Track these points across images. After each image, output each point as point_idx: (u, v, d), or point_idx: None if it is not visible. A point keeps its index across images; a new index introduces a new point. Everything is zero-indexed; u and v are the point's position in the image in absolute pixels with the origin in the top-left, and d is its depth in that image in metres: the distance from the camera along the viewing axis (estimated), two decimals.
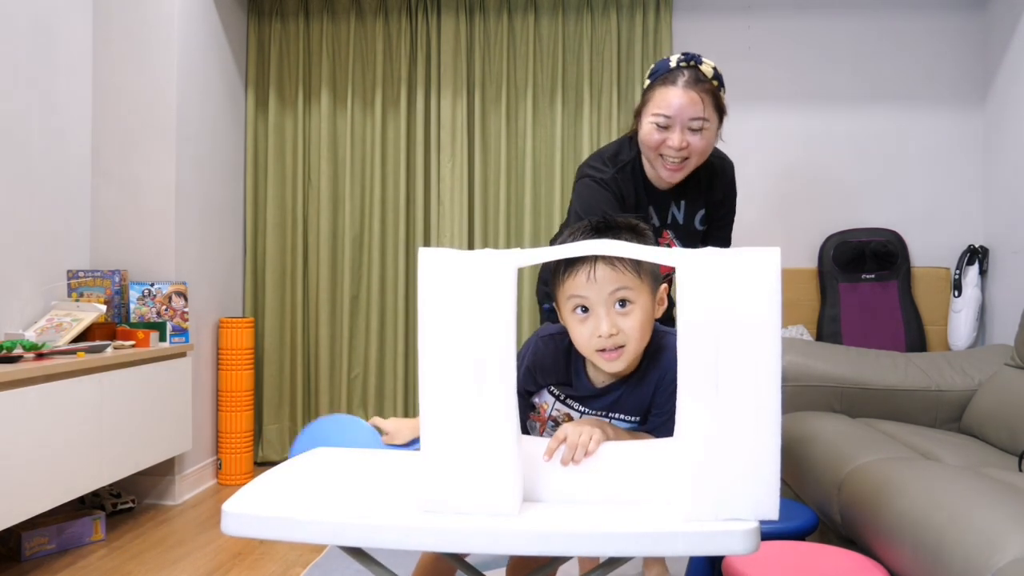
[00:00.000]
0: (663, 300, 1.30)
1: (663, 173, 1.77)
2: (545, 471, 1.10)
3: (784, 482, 2.16)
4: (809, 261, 3.48)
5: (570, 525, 0.99)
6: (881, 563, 1.44)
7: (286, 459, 3.89)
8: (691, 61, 1.74)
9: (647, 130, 1.73)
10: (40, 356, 2.40)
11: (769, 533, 1.60)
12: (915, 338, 3.21)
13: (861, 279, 3.31)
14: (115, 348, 2.75)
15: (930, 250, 3.43)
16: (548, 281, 1.36)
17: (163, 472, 3.09)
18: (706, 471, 0.97)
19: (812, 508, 1.87)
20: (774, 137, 3.56)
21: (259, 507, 1.05)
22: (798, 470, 2.02)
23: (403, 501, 1.05)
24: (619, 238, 1.18)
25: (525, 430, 1.39)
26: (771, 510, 0.97)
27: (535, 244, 3.54)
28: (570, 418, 1.39)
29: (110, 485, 2.83)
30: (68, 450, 2.38)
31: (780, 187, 3.55)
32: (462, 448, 1.02)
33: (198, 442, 3.28)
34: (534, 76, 3.57)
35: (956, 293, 3.24)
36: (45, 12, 2.88)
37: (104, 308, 2.85)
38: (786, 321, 3.37)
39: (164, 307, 3.03)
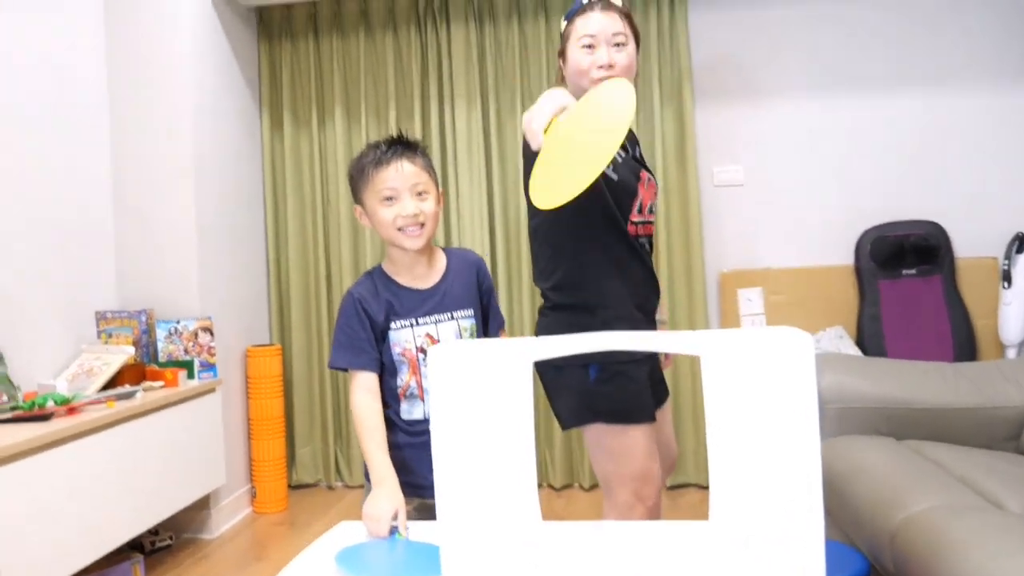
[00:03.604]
0: (441, 200, 1.66)
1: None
2: (570, 558, 1.05)
3: (828, 514, 2.08)
4: (845, 257, 3.35)
5: None
6: None
7: (320, 481, 3.85)
8: None
9: (576, 58, 1.77)
10: (71, 410, 2.40)
11: None
12: (963, 335, 3.08)
13: (902, 275, 3.17)
14: (145, 390, 2.74)
15: (975, 239, 3.28)
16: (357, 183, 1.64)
17: (199, 507, 3.10)
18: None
19: (863, 551, 1.79)
20: (803, 130, 3.43)
21: None
22: (845, 507, 1.94)
23: None
24: (411, 152, 1.59)
25: (394, 368, 1.61)
26: None
27: None
28: (432, 339, 1.60)
29: None
30: (104, 502, 2.38)
31: (811, 181, 3.42)
32: (482, 542, 0.97)
33: (232, 472, 3.28)
34: (548, 80, 3.46)
35: (1006, 284, 3.09)
36: (62, 57, 2.87)
37: (132, 350, 2.84)
38: (824, 323, 3.25)
39: (191, 343, 3.01)
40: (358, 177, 1.62)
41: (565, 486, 3.52)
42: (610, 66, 1.74)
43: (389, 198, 1.58)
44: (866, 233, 3.27)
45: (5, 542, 2.01)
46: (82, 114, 2.99)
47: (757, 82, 3.45)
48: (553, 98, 1.56)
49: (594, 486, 3.44)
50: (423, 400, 1.61)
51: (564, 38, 1.84)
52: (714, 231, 3.48)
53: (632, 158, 1.86)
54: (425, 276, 1.65)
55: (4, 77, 2.62)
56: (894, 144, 3.37)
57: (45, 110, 2.79)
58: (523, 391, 1.00)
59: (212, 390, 3.02)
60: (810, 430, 0.93)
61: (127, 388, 2.67)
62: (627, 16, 1.80)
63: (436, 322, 1.63)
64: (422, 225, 1.58)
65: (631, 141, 1.93)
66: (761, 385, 0.93)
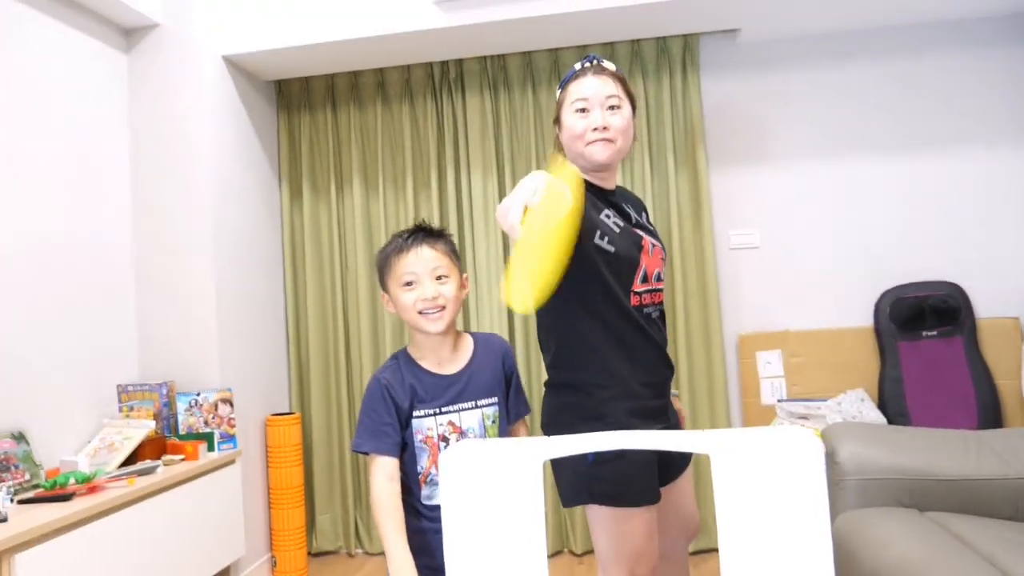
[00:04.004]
0: (465, 285, 1.70)
1: (596, 155, 1.76)
2: None
3: None
4: (864, 319, 3.33)
5: None
6: None
7: (340, 548, 3.81)
8: (594, 60, 1.84)
9: (570, 122, 1.77)
10: (92, 488, 2.42)
11: None
12: (986, 396, 3.03)
13: (922, 336, 3.15)
14: (165, 464, 2.77)
15: (995, 299, 3.25)
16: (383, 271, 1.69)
17: None
18: None
19: None
20: (818, 192, 3.44)
21: None
22: None
23: None
24: (432, 239, 1.65)
25: (414, 453, 1.63)
26: None
27: None
28: (455, 427, 1.62)
29: None
30: None
31: (828, 243, 3.42)
32: None
33: (252, 541, 3.27)
34: None
35: None
36: (85, 131, 2.96)
37: (152, 424, 2.88)
38: (844, 385, 3.22)
39: (211, 415, 3.04)
40: (383, 266, 1.68)
41: (586, 552, 3.48)
42: (605, 128, 1.74)
43: (409, 283, 1.62)
44: (885, 295, 3.26)
45: None
46: (105, 188, 3.07)
47: (771, 145, 3.48)
48: (524, 185, 1.37)
49: None
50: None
51: (559, 104, 1.84)
52: (731, 294, 3.48)
53: (633, 225, 1.83)
54: (450, 361, 1.68)
55: (28, 151, 2.71)
56: (911, 206, 3.37)
57: (68, 183, 2.87)
58: (533, 489, 1.00)
59: (232, 461, 3.04)
60: (821, 529, 0.93)
61: (148, 463, 2.70)
62: (621, 80, 1.81)
63: (460, 410, 1.64)
64: (442, 308, 1.61)
65: (635, 207, 1.92)
66: (771, 486, 0.94)
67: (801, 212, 3.45)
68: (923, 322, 3.14)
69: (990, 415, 3.02)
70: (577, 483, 1.72)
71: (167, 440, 2.94)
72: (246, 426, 3.30)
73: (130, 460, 2.75)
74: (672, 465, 1.89)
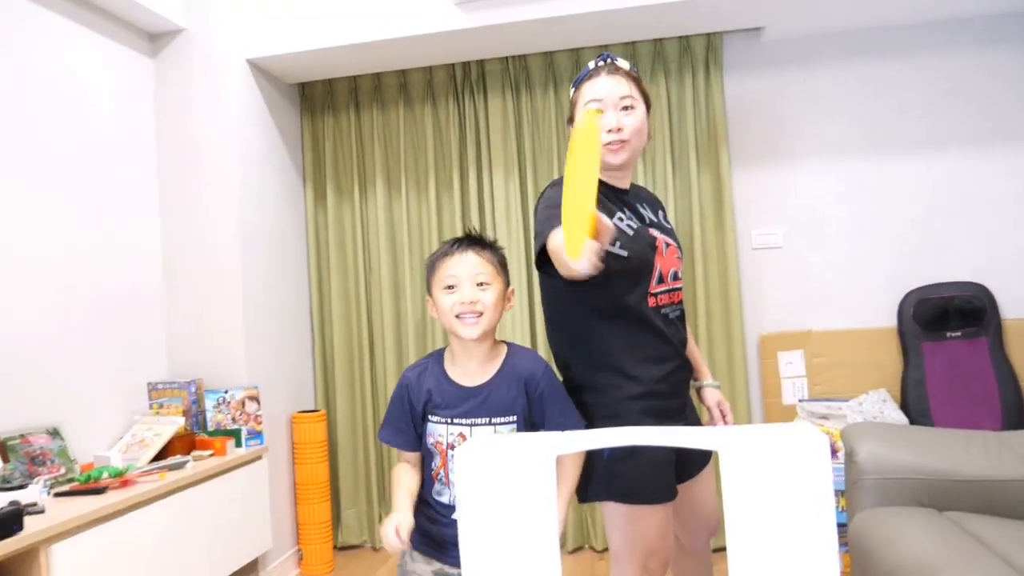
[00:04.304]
0: (510, 298, 1.69)
1: (608, 157, 1.77)
2: None
3: None
4: (888, 319, 3.31)
5: None
6: None
7: (365, 542, 3.88)
8: (608, 59, 1.84)
9: None
10: (125, 482, 2.50)
11: None
12: (1011, 398, 3.00)
13: (946, 337, 3.12)
14: (194, 460, 2.83)
15: (1021, 300, 3.22)
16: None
17: (248, 570, 3.15)
18: None
19: None
20: (842, 191, 3.42)
21: None
22: None
23: None
24: (479, 246, 1.65)
25: (429, 451, 1.66)
26: None
27: None
28: (464, 438, 1.60)
29: None
30: (156, 570, 2.46)
31: (852, 242, 3.40)
32: None
33: (278, 535, 3.34)
34: None
35: None
36: (113, 133, 3.03)
37: (182, 420, 2.95)
38: (867, 386, 3.21)
39: (238, 412, 3.10)
40: (429, 270, 1.69)
41: (607, 548, 3.50)
42: (619, 129, 1.75)
43: (451, 286, 1.62)
44: (909, 295, 3.23)
45: None
46: (133, 190, 3.15)
47: (794, 144, 3.47)
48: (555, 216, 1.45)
49: None
50: (450, 487, 1.66)
51: (572, 104, 1.85)
52: (753, 294, 3.48)
53: (648, 225, 1.83)
54: (476, 374, 1.66)
55: (56, 153, 2.78)
56: (936, 205, 3.34)
57: (98, 185, 2.95)
58: (547, 484, 1.03)
59: (259, 457, 3.10)
60: (827, 523, 0.94)
61: (178, 459, 2.77)
62: (635, 79, 1.81)
63: (472, 425, 1.62)
64: (480, 315, 1.60)
65: (651, 206, 1.92)
66: (777, 481, 0.96)
67: (825, 211, 3.43)
68: (947, 323, 3.11)
69: (1014, 417, 2.99)
70: (594, 480, 1.74)
71: (196, 436, 3.02)
72: (272, 423, 3.36)
73: (160, 456, 2.83)
74: (690, 463, 1.91)
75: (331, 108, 3.79)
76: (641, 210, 1.86)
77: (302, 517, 3.48)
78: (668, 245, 1.83)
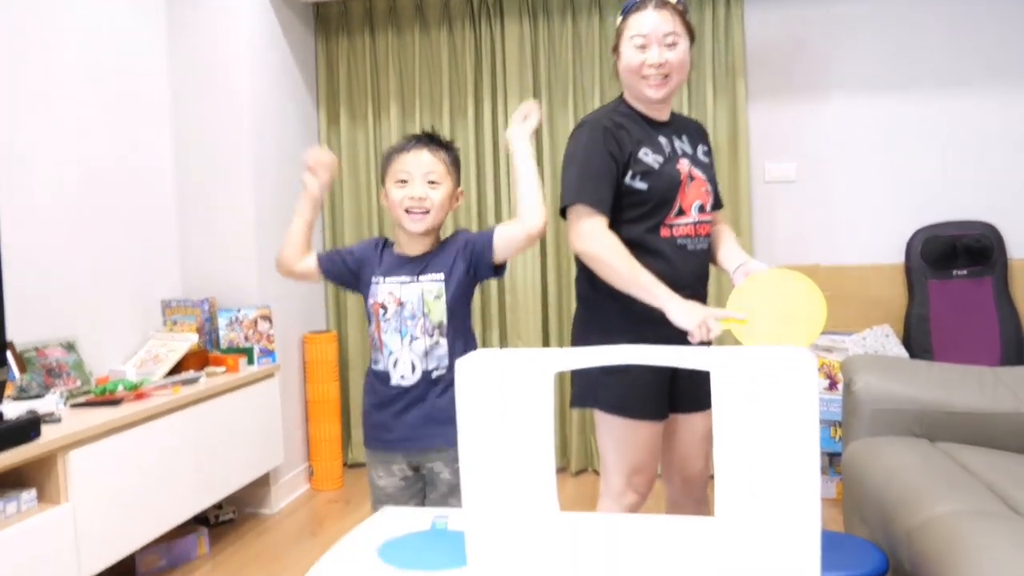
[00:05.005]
0: (459, 197, 1.77)
1: (649, 92, 1.82)
2: (586, 554, 1.14)
3: (856, 511, 2.12)
4: (896, 256, 3.31)
5: None
6: None
7: None
8: None
9: (628, 56, 1.82)
10: (140, 395, 2.58)
11: None
12: (1011, 337, 3.03)
13: (952, 275, 3.13)
14: (207, 376, 2.92)
15: None
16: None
17: (260, 484, 3.27)
18: None
19: (885, 550, 1.82)
20: (857, 127, 3.39)
21: None
22: (872, 506, 1.97)
23: None
24: (435, 146, 1.71)
25: (368, 314, 1.75)
26: None
27: None
28: (396, 299, 1.69)
29: None
30: (171, 480, 2.56)
31: (864, 179, 3.39)
32: (504, 532, 1.07)
33: (290, 451, 3.45)
34: (600, 77, 3.50)
35: None
36: (125, 54, 3.03)
37: (196, 337, 3.02)
38: (870, 321, 3.24)
39: (251, 331, 3.17)
40: (384, 163, 1.77)
41: (580, 471, 3.63)
42: (661, 65, 1.79)
43: (403, 181, 1.69)
44: (918, 232, 3.23)
45: (84, 517, 2.20)
46: (145, 110, 3.15)
47: (812, 78, 3.42)
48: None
49: None
50: (383, 352, 1.73)
51: (618, 34, 1.89)
52: (764, 227, 3.49)
53: (679, 156, 1.85)
54: (418, 248, 1.74)
55: (70, 76, 2.79)
56: (949, 143, 3.31)
57: (111, 107, 2.96)
58: (544, 398, 1.08)
59: (271, 375, 3.19)
60: (810, 440, 0.99)
61: (191, 374, 2.85)
62: (681, 13, 1.83)
63: (401, 283, 1.71)
64: (426, 212, 1.68)
65: (692, 138, 1.93)
66: (765, 401, 1.00)
67: (839, 148, 3.41)
68: (954, 261, 3.12)
69: (1013, 356, 3.02)
70: (585, 386, 1.85)
71: (209, 353, 3.09)
72: (284, 343, 3.44)
73: (174, 371, 2.91)
74: (683, 397, 1.88)
75: (346, 30, 3.75)
76: (676, 142, 1.88)
77: (313, 434, 3.59)
78: (692, 179, 1.85)
